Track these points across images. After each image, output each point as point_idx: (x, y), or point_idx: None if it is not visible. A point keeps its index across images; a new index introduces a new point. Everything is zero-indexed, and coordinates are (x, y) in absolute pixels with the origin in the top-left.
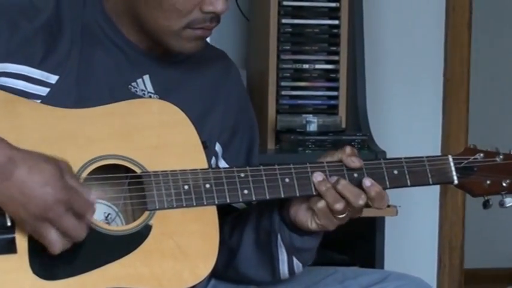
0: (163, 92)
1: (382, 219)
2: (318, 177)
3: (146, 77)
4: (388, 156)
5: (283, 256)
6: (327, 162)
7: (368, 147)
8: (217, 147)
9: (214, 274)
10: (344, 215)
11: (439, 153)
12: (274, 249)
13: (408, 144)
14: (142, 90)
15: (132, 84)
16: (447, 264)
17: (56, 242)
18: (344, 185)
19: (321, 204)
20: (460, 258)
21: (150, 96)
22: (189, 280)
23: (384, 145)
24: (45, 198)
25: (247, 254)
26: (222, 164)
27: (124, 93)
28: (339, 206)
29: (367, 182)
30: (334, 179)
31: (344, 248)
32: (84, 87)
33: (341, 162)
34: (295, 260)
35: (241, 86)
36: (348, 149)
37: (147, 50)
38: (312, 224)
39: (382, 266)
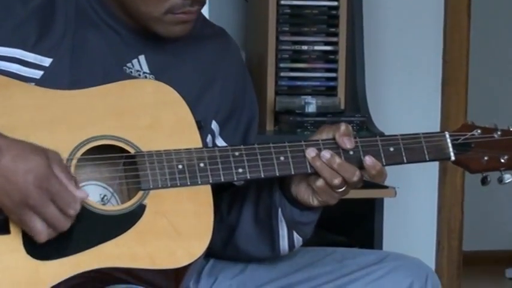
0: (159, 72)
1: (381, 200)
2: (311, 153)
3: (142, 57)
4: None
5: (283, 231)
6: (322, 140)
7: (367, 129)
8: (214, 126)
9: (214, 253)
10: (343, 189)
11: None
12: (275, 224)
13: (407, 126)
14: (137, 70)
15: (128, 65)
16: (446, 246)
17: (40, 231)
18: (339, 164)
19: (319, 182)
20: (458, 240)
21: (146, 77)
22: (183, 259)
23: (382, 126)
24: (26, 186)
25: (247, 230)
26: (220, 142)
27: (119, 74)
28: (337, 181)
29: (368, 160)
30: (327, 155)
31: (343, 229)
32: (78, 69)
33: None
34: (295, 234)
35: (241, 63)
36: (342, 127)
37: (141, 30)
38: (313, 201)
39: (380, 247)
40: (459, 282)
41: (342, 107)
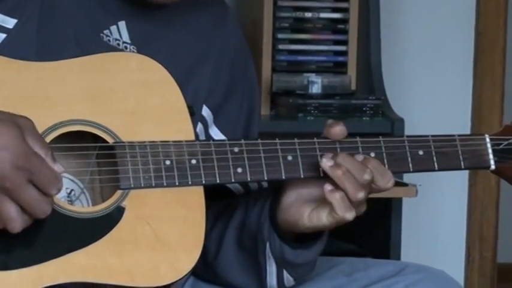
0: (141, 43)
1: (399, 200)
2: (327, 162)
3: (122, 24)
4: (407, 124)
5: (271, 267)
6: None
7: (383, 114)
8: (205, 111)
9: (194, 271)
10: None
11: (469, 122)
12: (262, 259)
13: (431, 110)
14: (116, 39)
15: (105, 32)
16: (477, 257)
17: (15, 218)
18: (374, 165)
19: (338, 194)
20: (492, 249)
21: (126, 47)
22: (167, 276)
23: (401, 111)
24: (1, 166)
25: (228, 256)
26: (215, 131)
27: (95, 42)
28: (361, 195)
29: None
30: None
31: (352, 235)
32: (47, 33)
33: (355, 139)
34: (285, 273)
35: (239, 38)
36: (329, 122)
37: None
38: (320, 220)
39: (398, 257)
40: None
41: (353, 87)
